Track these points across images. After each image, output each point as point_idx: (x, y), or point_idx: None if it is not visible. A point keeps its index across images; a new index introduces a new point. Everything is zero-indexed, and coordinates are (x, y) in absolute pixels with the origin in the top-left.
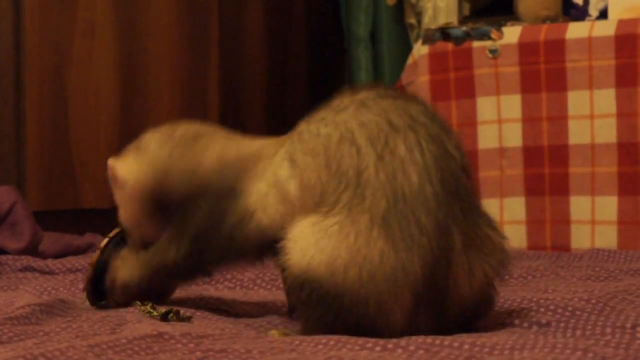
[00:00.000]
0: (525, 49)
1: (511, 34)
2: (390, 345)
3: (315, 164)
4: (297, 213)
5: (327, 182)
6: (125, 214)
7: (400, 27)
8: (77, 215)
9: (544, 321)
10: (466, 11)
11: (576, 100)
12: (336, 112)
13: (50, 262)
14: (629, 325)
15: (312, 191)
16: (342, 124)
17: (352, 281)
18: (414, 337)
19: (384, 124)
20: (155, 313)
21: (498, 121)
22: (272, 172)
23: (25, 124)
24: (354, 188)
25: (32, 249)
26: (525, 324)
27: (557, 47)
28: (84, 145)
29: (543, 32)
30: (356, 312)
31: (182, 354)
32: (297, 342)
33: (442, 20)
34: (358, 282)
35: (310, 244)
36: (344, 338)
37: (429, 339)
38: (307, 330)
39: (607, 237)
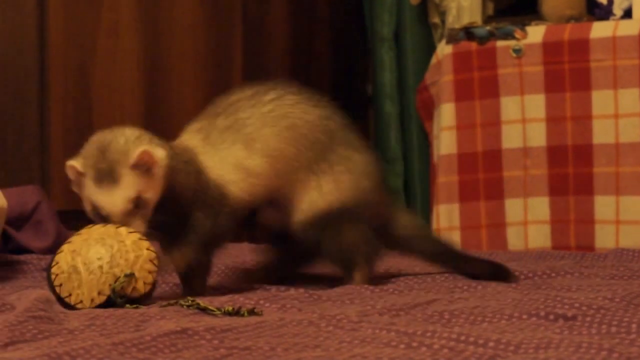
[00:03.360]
0: (550, 48)
1: (535, 33)
2: (414, 344)
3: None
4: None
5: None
6: (156, 194)
7: (424, 27)
8: None
9: (569, 314)
10: (490, 11)
11: (600, 100)
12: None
13: None
14: None
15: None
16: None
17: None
18: (438, 333)
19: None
20: (217, 312)
21: (522, 121)
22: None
23: (50, 123)
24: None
25: (56, 248)
26: (551, 317)
27: (581, 46)
28: None
29: (567, 32)
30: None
31: (207, 350)
32: (321, 338)
33: (466, 20)
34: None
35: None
36: (368, 337)
37: (454, 335)
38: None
39: (632, 237)
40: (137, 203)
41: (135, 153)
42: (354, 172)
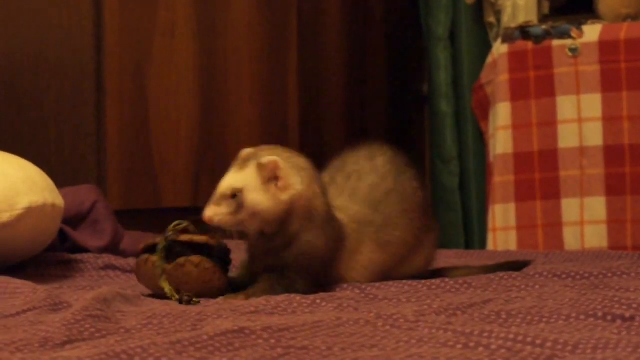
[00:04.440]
0: (606, 47)
1: (591, 32)
2: (472, 344)
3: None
4: None
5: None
6: (260, 208)
7: (480, 26)
8: (158, 214)
9: (627, 315)
10: (546, 10)
11: None
12: None
13: (131, 261)
14: None
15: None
16: None
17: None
18: (495, 334)
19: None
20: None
21: (578, 120)
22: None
23: (106, 123)
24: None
25: (113, 248)
26: (609, 317)
27: (638, 45)
28: (165, 144)
29: (623, 31)
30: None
31: (264, 350)
32: (378, 338)
33: (521, 19)
34: None
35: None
36: (425, 337)
37: (512, 336)
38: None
39: None
40: (237, 198)
41: (269, 159)
42: None
